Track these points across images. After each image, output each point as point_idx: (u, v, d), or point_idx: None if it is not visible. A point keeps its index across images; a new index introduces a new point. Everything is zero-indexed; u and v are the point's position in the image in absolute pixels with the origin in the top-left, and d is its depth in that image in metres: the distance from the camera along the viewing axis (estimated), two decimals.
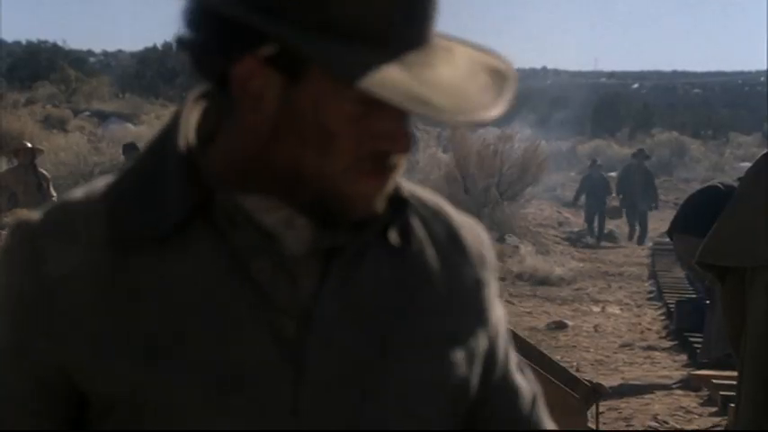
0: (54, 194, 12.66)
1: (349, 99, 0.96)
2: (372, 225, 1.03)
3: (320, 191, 0.99)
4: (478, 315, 1.11)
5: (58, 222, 1.02)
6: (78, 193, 1.06)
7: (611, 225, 19.38)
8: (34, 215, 1.04)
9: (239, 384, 0.98)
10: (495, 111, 0.98)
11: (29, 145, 13.00)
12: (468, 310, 1.10)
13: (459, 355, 1.07)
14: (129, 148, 13.88)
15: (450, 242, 1.12)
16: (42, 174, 12.69)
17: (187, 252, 1.00)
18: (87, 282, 0.99)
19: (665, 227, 18.55)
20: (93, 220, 1.01)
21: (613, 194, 19.44)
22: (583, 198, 19.50)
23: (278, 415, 0.99)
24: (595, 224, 18.97)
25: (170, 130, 1.05)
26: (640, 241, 18.45)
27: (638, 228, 18.79)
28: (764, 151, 3.44)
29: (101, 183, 1.06)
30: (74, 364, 0.99)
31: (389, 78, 0.93)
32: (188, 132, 1.04)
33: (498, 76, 1.01)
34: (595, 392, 4.24)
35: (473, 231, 1.18)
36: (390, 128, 0.98)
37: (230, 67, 0.97)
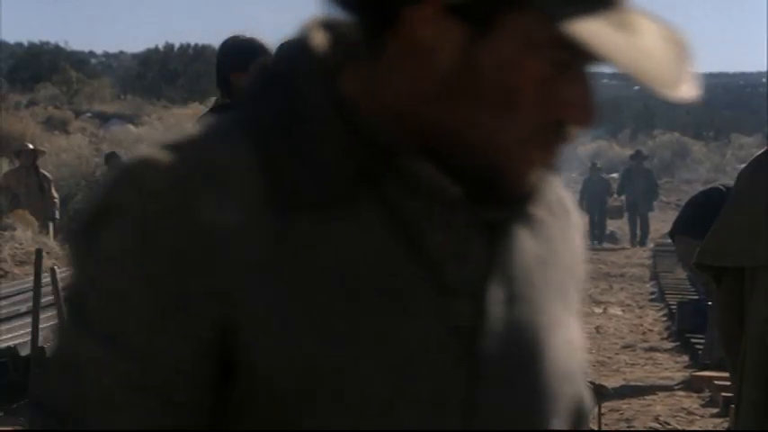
0: (56, 195, 12.69)
1: (541, 58, 0.86)
2: (528, 197, 0.93)
3: (487, 159, 0.88)
4: (580, 287, 1.03)
5: (204, 166, 0.87)
6: (199, 135, 0.91)
7: (612, 226, 19.40)
8: (159, 154, 0.87)
9: (412, 372, 0.86)
10: (693, 88, 0.88)
11: (30, 146, 13.04)
12: (577, 282, 1.02)
13: (580, 333, 1.00)
14: (111, 156, 13.66)
15: (559, 207, 1.02)
16: (44, 175, 12.71)
17: (351, 217, 0.87)
18: (252, 237, 0.85)
19: (666, 228, 18.54)
20: (242, 172, 0.87)
21: (614, 195, 19.41)
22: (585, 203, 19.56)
23: (451, 407, 0.88)
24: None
25: (291, 62, 0.92)
26: (641, 242, 18.46)
27: (638, 231, 18.82)
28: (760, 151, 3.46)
29: (223, 123, 0.93)
30: (239, 328, 0.85)
31: (606, 36, 0.84)
32: (325, 69, 0.90)
33: (681, 49, 0.90)
34: (597, 393, 4.24)
35: (568, 194, 1.06)
36: (578, 95, 0.89)
37: (399, 8, 0.85)
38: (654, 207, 19.21)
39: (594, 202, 18.88)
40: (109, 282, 0.86)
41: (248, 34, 4.14)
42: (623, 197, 19.12)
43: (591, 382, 4.47)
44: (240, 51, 4.01)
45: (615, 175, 21.90)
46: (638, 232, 18.82)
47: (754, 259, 3.38)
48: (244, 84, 4.02)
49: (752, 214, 3.41)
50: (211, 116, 4.05)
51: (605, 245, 18.47)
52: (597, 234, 18.85)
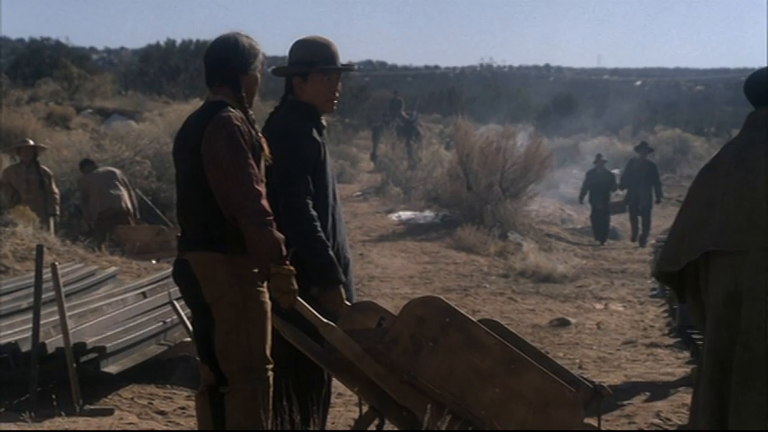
0: (56, 191, 12.67)
1: None
2: None
3: None
4: None
5: None
6: None
7: (613, 222, 19.12)
8: None
9: None
10: None
11: (31, 142, 13.01)
12: None
13: None
14: (86, 163, 13.69)
15: None
16: (45, 171, 12.69)
17: None
18: None
19: (667, 224, 18.48)
20: None
21: (617, 191, 18.68)
22: (587, 197, 18.63)
23: None
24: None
25: None
26: (642, 242, 17.69)
27: (639, 227, 18.04)
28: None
29: None
30: None
31: None
32: None
33: None
34: (597, 395, 4.23)
35: None
36: None
37: None
38: (654, 201, 17.90)
39: (598, 196, 18.19)
40: None
41: (248, 31, 4.15)
42: (625, 191, 18.23)
43: (591, 383, 4.44)
44: (249, 53, 4.05)
45: (616, 171, 21.73)
46: (640, 229, 18.01)
47: (703, 247, 3.54)
48: (248, 84, 4.03)
49: (692, 212, 3.65)
50: (202, 112, 4.04)
51: (606, 241, 18.30)
52: (601, 233, 18.22)
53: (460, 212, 16.86)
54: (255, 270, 3.91)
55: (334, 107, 4.55)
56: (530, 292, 11.93)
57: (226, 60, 4.03)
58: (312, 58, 4.45)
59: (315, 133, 4.39)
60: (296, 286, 3.86)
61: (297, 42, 4.54)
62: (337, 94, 4.53)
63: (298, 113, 4.43)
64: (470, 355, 3.99)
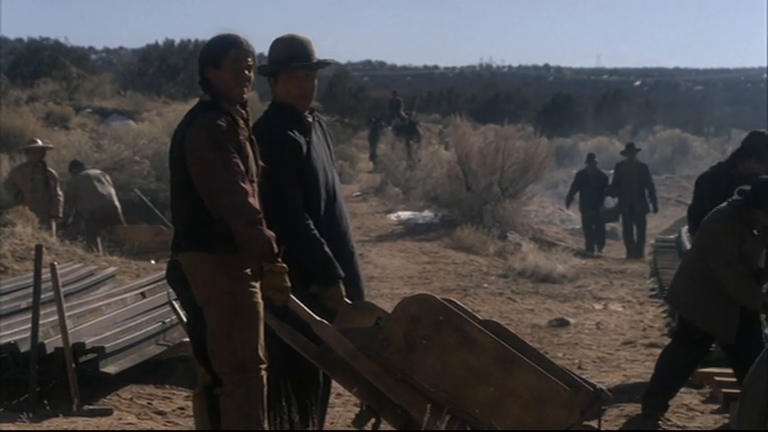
0: (60, 194, 12.67)
1: None
2: None
3: None
4: None
5: None
6: None
7: (611, 223, 18.79)
8: None
9: None
10: None
11: (39, 143, 13.02)
12: None
13: None
14: (75, 165, 13.72)
15: None
16: (51, 173, 12.70)
17: None
18: None
19: (665, 224, 18.48)
20: None
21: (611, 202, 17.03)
22: (577, 197, 17.21)
23: None
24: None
25: None
26: (638, 251, 16.23)
27: (635, 229, 16.49)
28: None
29: None
30: None
31: None
32: None
33: None
34: (597, 398, 4.22)
35: None
36: None
37: None
38: (650, 207, 16.38)
39: (589, 200, 16.75)
40: None
41: (247, 29, 4.12)
42: (616, 199, 16.64)
43: (591, 386, 4.43)
44: (213, 47, 3.97)
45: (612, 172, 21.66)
46: (635, 239, 16.42)
47: None
48: (219, 80, 3.95)
49: None
50: (191, 113, 4.01)
51: (605, 240, 18.08)
52: (593, 242, 16.99)
53: (460, 212, 16.85)
54: (248, 270, 3.86)
55: (309, 104, 4.45)
56: (529, 292, 11.92)
57: (198, 61, 4.00)
58: (278, 57, 4.39)
59: (293, 132, 4.34)
60: (289, 283, 3.81)
61: (272, 42, 4.50)
62: (310, 92, 4.44)
63: (275, 114, 4.40)
64: (465, 353, 3.98)
